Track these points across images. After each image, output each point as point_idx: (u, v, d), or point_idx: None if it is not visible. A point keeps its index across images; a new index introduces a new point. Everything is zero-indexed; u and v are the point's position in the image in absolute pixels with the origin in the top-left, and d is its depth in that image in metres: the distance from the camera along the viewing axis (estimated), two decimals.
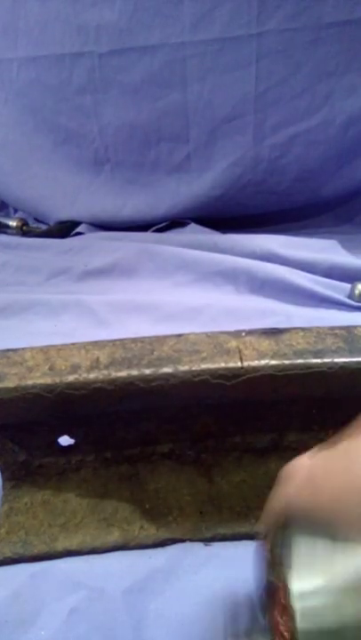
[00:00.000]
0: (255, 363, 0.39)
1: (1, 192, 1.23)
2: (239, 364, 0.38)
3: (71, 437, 0.46)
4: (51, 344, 0.43)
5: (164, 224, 1.09)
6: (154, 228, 1.09)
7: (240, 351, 0.40)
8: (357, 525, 0.18)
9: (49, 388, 0.38)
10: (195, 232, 1.05)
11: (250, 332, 0.42)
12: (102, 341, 0.42)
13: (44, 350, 0.42)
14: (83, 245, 1.03)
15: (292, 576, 0.20)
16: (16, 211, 1.25)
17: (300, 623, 0.18)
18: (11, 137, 1.13)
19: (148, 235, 1.07)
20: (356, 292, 0.78)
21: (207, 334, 0.42)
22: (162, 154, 1.05)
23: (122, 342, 0.42)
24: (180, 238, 1.00)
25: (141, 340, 0.42)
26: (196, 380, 0.38)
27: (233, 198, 1.05)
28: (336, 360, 0.39)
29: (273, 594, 0.21)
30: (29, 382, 0.38)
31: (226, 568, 0.41)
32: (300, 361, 0.39)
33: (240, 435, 0.47)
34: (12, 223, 1.14)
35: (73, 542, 0.44)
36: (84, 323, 0.77)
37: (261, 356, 0.39)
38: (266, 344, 0.40)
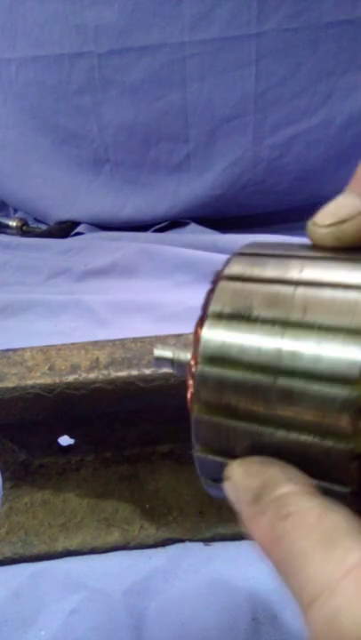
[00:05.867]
0: None
1: (1, 192, 1.23)
2: None
3: (71, 437, 0.46)
4: (51, 344, 0.43)
5: (164, 224, 1.09)
6: (154, 228, 1.09)
7: None
8: None
9: (49, 388, 0.38)
10: (195, 232, 1.05)
11: None
12: (102, 341, 0.42)
13: (44, 350, 0.42)
14: (83, 245, 1.03)
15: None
16: (16, 211, 1.25)
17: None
18: (10, 137, 1.13)
19: (148, 235, 1.07)
20: None
21: None
22: (162, 154, 1.05)
23: (122, 342, 0.42)
24: (180, 238, 1.00)
25: (141, 339, 0.42)
26: None
27: (233, 198, 1.05)
28: None
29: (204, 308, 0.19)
30: (29, 382, 0.38)
31: (226, 568, 0.41)
32: None
33: None
34: (12, 223, 1.14)
35: (73, 542, 0.44)
36: (83, 323, 0.77)
37: None
38: None
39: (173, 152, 1.05)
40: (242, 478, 0.16)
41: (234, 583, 0.40)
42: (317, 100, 0.95)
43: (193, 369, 0.18)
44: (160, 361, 0.22)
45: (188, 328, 0.44)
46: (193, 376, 0.18)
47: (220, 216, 1.08)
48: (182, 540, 0.44)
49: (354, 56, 0.91)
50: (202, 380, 0.17)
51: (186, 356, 0.21)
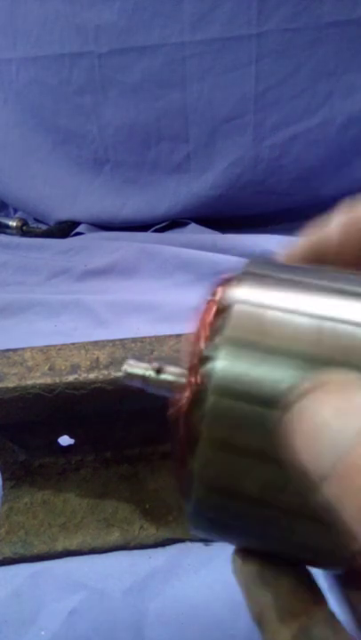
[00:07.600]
0: None
1: (1, 192, 1.23)
2: None
3: (71, 437, 0.46)
4: (51, 344, 0.43)
5: (164, 224, 1.09)
6: (154, 228, 1.09)
7: None
8: None
9: (49, 388, 0.38)
10: (195, 232, 1.05)
11: None
12: (102, 341, 0.42)
13: (44, 350, 0.42)
14: (83, 245, 1.03)
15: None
16: (16, 211, 1.25)
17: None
18: (10, 137, 1.13)
19: (148, 235, 1.07)
20: None
21: None
22: (162, 154, 1.05)
23: (122, 342, 0.42)
24: (180, 238, 1.00)
25: (141, 339, 0.42)
26: None
27: (233, 198, 1.05)
28: None
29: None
30: (29, 382, 0.38)
31: (226, 568, 0.41)
32: None
33: None
34: (12, 223, 1.14)
35: (73, 542, 0.44)
36: (83, 323, 0.77)
37: None
38: None
39: (173, 152, 1.05)
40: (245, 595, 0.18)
41: (234, 583, 0.40)
42: (317, 100, 0.95)
43: (193, 395, 0.16)
44: (131, 377, 0.20)
45: (188, 328, 0.44)
46: (193, 400, 0.16)
47: (220, 216, 1.08)
48: (182, 540, 0.44)
49: (354, 56, 0.91)
50: (214, 416, 0.15)
51: (166, 376, 0.19)
